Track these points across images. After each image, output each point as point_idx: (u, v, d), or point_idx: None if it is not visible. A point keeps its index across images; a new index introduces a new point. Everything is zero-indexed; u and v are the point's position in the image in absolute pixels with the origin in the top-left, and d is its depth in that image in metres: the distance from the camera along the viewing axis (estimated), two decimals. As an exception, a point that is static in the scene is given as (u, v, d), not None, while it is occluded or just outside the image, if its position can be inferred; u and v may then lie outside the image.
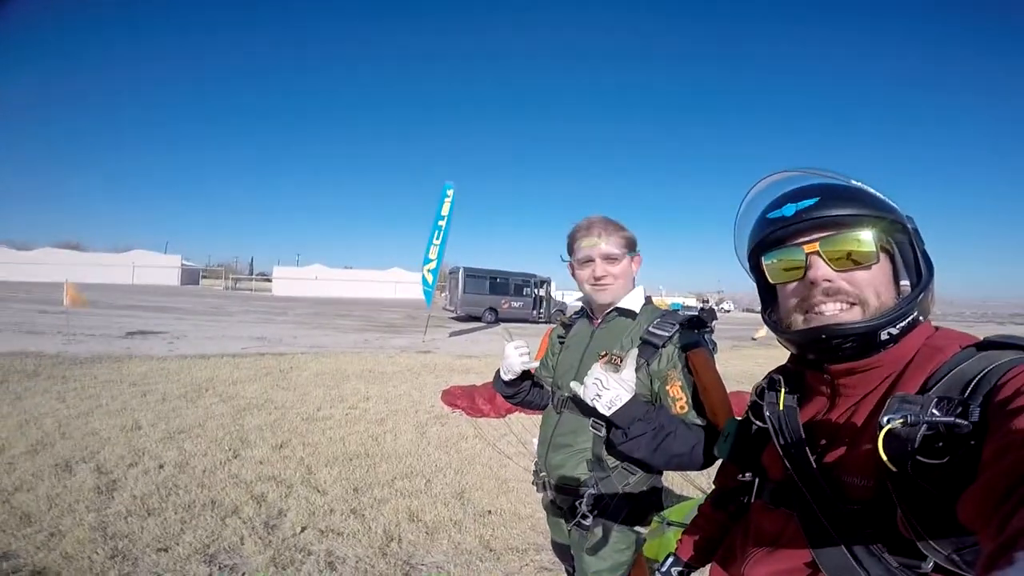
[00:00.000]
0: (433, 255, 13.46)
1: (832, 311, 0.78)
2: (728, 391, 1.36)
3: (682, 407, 1.30)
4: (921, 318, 0.79)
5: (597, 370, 1.25)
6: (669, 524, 1.65)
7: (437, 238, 13.40)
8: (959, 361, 0.69)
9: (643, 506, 1.44)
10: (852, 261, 0.77)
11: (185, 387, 6.03)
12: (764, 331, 20.92)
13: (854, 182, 0.82)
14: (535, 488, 1.64)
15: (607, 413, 1.21)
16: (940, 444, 0.61)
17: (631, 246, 1.50)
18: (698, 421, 1.30)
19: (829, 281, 0.78)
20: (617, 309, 1.50)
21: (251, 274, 51.41)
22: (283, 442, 4.30)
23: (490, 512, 3.26)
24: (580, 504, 1.40)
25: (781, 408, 0.88)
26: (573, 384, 1.30)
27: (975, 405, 0.60)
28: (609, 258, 1.45)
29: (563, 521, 1.55)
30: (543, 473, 1.55)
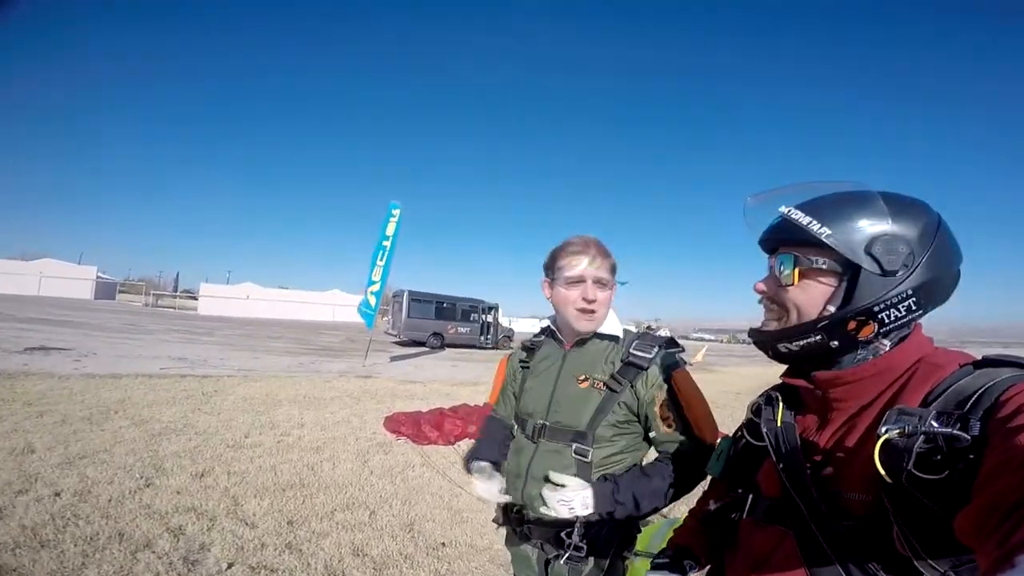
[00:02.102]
0: (376, 277, 13.01)
1: (765, 318, 0.90)
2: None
3: (670, 425, 1.31)
4: (862, 344, 0.80)
5: (553, 495, 1.25)
6: (636, 555, 1.57)
7: (381, 259, 12.96)
8: (959, 378, 0.69)
9: (630, 531, 1.40)
10: (797, 276, 0.83)
11: (90, 409, 5.35)
12: (701, 355, 21.79)
13: (818, 216, 0.80)
14: (496, 523, 1.55)
15: (587, 512, 1.23)
16: (938, 458, 0.61)
17: (614, 274, 1.46)
18: (681, 438, 1.30)
19: (760, 292, 0.89)
20: (597, 335, 1.45)
21: (175, 290, 47.77)
22: (205, 470, 3.85)
23: (444, 545, 3.03)
24: (571, 535, 1.31)
25: (779, 424, 0.88)
26: (545, 494, 1.28)
27: (975, 419, 0.60)
28: (601, 283, 1.39)
29: (534, 558, 1.46)
30: (517, 505, 1.44)
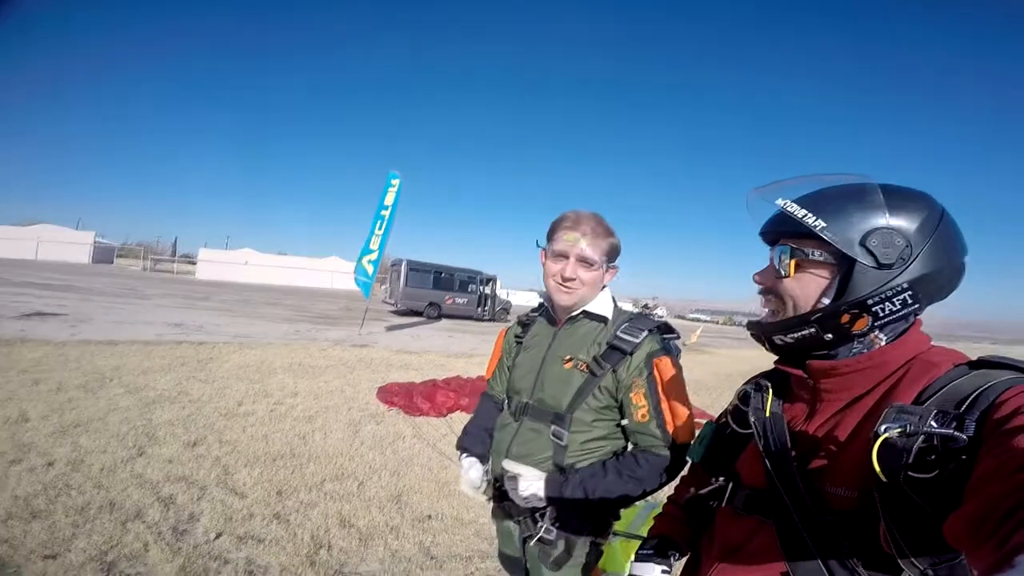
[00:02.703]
0: (374, 246, 12.96)
1: (762, 307, 0.91)
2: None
3: (643, 415, 1.27)
4: (858, 337, 0.80)
5: (510, 483, 1.33)
6: (615, 535, 1.60)
7: (379, 228, 12.89)
8: (954, 377, 0.69)
9: (604, 518, 1.39)
10: (793, 268, 0.84)
11: (86, 376, 5.40)
12: (696, 336, 21.96)
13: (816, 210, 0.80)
14: (484, 497, 1.55)
15: (542, 504, 1.30)
16: (932, 457, 0.61)
17: (612, 255, 1.41)
18: (656, 432, 1.26)
19: (758, 283, 0.90)
20: (585, 313, 1.41)
21: (174, 255, 47.60)
22: (197, 439, 3.92)
23: (430, 517, 3.11)
24: (543, 517, 1.33)
25: (767, 414, 0.88)
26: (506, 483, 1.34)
27: (971, 420, 0.60)
28: (585, 261, 1.34)
29: (516, 533, 1.48)
30: (499, 483, 1.45)
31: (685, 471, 1.22)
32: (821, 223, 0.77)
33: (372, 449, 4.22)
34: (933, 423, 0.61)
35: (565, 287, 1.35)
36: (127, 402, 4.65)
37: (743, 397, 0.96)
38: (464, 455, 1.57)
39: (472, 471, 1.52)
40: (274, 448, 3.95)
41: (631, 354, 1.29)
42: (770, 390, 0.91)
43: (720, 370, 12.41)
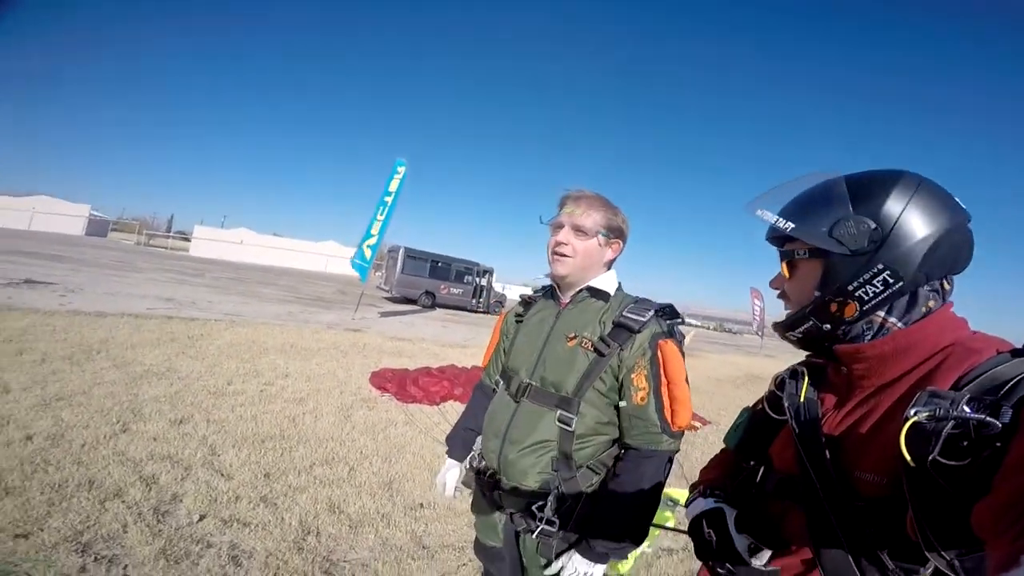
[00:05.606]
0: (375, 231, 12.81)
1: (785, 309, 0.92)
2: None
3: (643, 398, 1.26)
4: (864, 322, 0.81)
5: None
6: None
7: (381, 214, 12.74)
8: (995, 364, 0.67)
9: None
10: (787, 269, 0.89)
11: (72, 348, 5.24)
12: (689, 339, 22.00)
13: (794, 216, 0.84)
14: (466, 485, 1.53)
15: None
16: (965, 444, 0.59)
17: (613, 231, 1.39)
18: (653, 417, 1.25)
19: (773, 288, 0.93)
20: (589, 289, 1.38)
21: (169, 231, 47.06)
22: (184, 417, 3.80)
23: (422, 506, 3.02)
24: (543, 508, 1.26)
25: (802, 400, 0.88)
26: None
27: (1008, 406, 0.58)
28: (579, 230, 1.35)
29: (500, 525, 1.44)
30: (492, 469, 1.39)
31: (716, 456, 1.20)
32: (791, 224, 0.82)
33: (364, 434, 4.12)
34: (966, 408, 0.60)
35: (557, 255, 1.36)
36: (113, 376, 4.52)
37: (780, 383, 0.97)
38: (447, 455, 1.61)
39: (448, 474, 1.57)
40: (263, 429, 3.84)
41: (637, 332, 1.28)
42: (806, 376, 0.91)
43: (712, 374, 12.39)
